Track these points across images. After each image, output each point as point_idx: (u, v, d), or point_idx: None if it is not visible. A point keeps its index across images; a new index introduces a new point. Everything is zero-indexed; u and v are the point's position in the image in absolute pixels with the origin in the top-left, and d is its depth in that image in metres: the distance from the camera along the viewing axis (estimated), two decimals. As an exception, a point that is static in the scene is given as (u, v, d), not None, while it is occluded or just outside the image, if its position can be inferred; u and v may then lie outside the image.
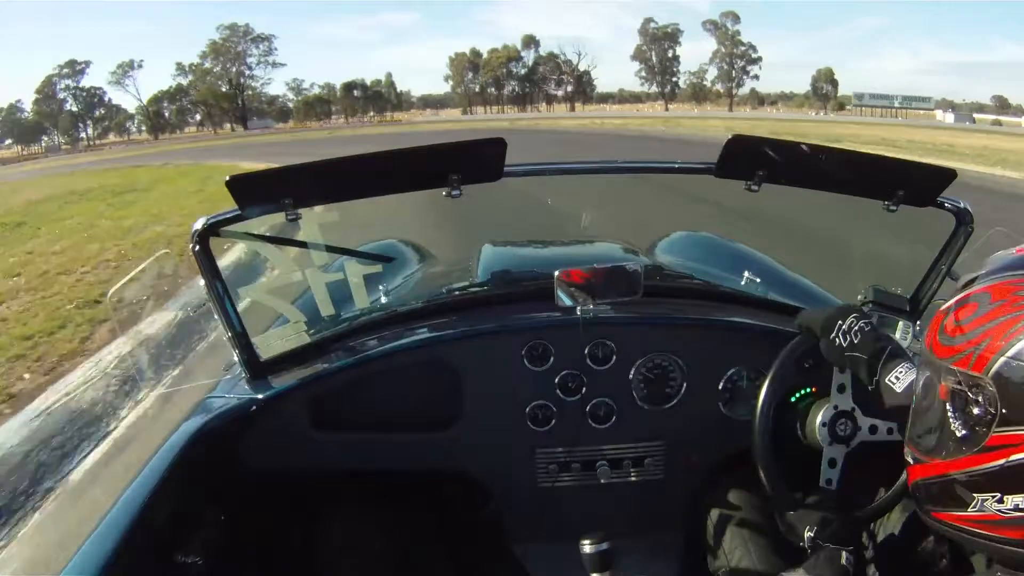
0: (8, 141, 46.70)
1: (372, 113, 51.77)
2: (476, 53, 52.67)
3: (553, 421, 1.26)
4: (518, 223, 4.61)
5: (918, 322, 1.22)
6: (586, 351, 1.26)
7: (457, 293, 1.48)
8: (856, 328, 0.97)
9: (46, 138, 46.47)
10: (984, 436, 0.59)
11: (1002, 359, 0.57)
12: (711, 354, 1.27)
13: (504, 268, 1.59)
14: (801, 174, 1.18)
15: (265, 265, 1.24)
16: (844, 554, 0.87)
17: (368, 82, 52.42)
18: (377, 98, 52.31)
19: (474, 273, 1.70)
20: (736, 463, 1.20)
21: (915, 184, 1.14)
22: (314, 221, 1.17)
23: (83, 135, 47.14)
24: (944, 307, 0.67)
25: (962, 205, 1.17)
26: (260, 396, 1.17)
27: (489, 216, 3.65)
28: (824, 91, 48.35)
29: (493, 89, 52.63)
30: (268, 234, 1.18)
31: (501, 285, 1.47)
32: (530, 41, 52.20)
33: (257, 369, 1.21)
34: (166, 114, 48.90)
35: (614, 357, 1.26)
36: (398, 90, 53.70)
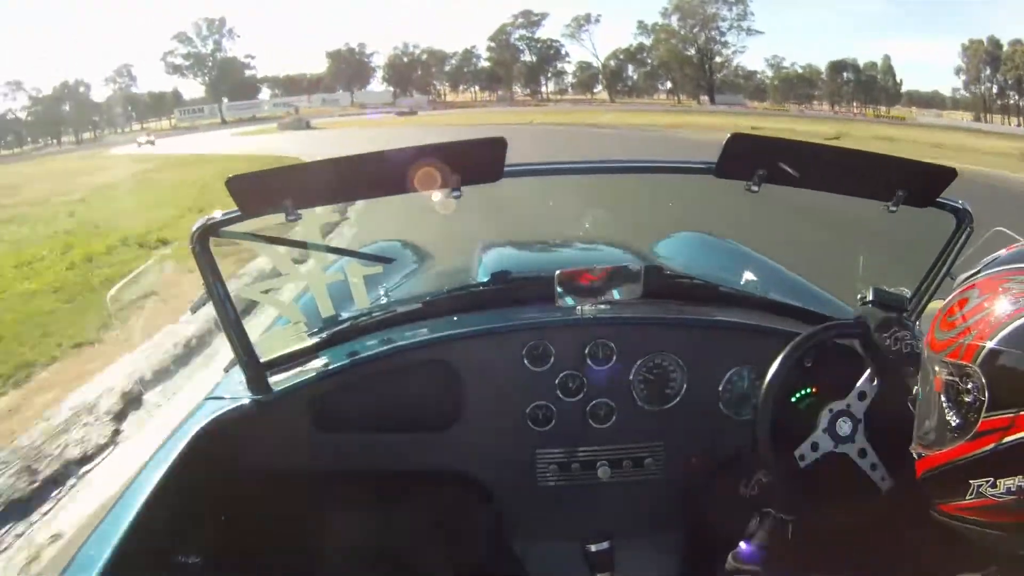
0: (462, 87, 45.84)
1: (864, 103, 39.55)
2: (996, 43, 35.28)
3: (553, 421, 1.26)
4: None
5: (918, 323, 1.22)
6: (586, 351, 1.26)
7: (457, 293, 1.48)
8: (908, 340, 1.00)
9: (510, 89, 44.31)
10: (975, 422, 0.62)
11: (988, 347, 0.61)
12: (711, 354, 1.27)
13: (504, 268, 1.58)
14: (801, 174, 1.18)
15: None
16: (791, 527, 0.89)
17: (861, 64, 39.59)
18: (869, 86, 39.48)
19: (474, 273, 1.70)
20: (736, 463, 1.20)
21: (915, 184, 1.13)
22: (314, 221, 1.17)
23: (542, 88, 44.90)
24: (941, 306, 0.70)
25: (962, 205, 1.17)
26: (260, 396, 1.17)
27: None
28: None
29: (1014, 93, 35.43)
30: (268, 234, 1.18)
31: (501, 285, 1.47)
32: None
33: (257, 370, 1.21)
34: (634, 76, 44.08)
35: (614, 357, 1.26)
36: (896, 78, 39.28)
